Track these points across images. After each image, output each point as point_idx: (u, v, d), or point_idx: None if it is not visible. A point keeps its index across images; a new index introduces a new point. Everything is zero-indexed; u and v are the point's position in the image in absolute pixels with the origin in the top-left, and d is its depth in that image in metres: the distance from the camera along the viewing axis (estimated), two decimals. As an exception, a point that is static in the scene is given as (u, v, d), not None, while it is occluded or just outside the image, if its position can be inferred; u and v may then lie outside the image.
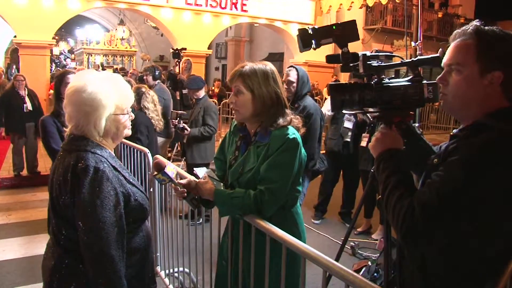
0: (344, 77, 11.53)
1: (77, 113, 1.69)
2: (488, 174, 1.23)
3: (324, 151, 5.93)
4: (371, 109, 1.61)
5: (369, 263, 3.76)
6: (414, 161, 1.66)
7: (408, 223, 1.27)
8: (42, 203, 5.70)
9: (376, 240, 4.71)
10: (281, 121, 1.99)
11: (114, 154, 1.83)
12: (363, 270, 3.71)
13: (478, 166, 1.24)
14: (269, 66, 2.07)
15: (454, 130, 1.47)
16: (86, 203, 1.59)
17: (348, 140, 5.18)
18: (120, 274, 1.62)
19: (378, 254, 3.98)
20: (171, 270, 3.50)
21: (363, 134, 4.71)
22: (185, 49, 8.08)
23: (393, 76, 1.63)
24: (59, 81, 3.65)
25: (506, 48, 1.35)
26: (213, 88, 14.87)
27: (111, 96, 1.71)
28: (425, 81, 1.55)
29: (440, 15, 17.92)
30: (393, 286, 1.79)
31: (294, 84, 4.09)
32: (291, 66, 4.27)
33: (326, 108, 5.18)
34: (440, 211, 1.24)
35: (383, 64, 1.56)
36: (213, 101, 8.24)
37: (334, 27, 1.60)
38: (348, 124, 5.16)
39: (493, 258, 1.33)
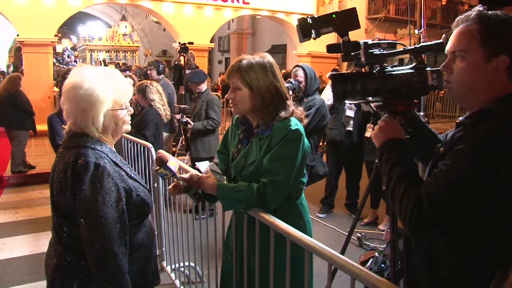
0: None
1: (75, 109, 1.67)
2: (495, 162, 1.21)
3: (322, 143, 5.93)
4: (374, 99, 1.58)
5: (376, 254, 3.73)
6: (420, 150, 1.63)
7: (417, 215, 1.24)
8: (49, 200, 5.69)
9: (383, 230, 4.68)
10: (283, 113, 1.96)
11: (114, 150, 1.81)
12: (370, 261, 3.69)
13: (485, 154, 1.22)
14: (267, 58, 2.02)
15: (460, 118, 1.44)
16: (87, 199, 1.57)
17: (351, 129, 5.13)
18: (124, 271, 1.60)
19: (385, 245, 3.95)
20: (177, 265, 3.50)
21: (368, 124, 4.69)
22: (192, 43, 7.98)
23: (395, 64, 1.59)
24: (63, 79, 3.65)
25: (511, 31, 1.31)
26: (218, 82, 14.72)
27: (109, 91, 1.68)
28: (428, 68, 1.51)
29: (444, 3, 17.71)
30: (400, 277, 1.77)
31: (303, 83, 4.20)
32: (297, 66, 4.35)
33: (326, 97, 5.07)
34: (449, 201, 1.22)
35: (385, 52, 1.53)
36: (217, 95, 8.19)
37: (334, 16, 1.57)
38: (350, 113, 5.10)
39: (502, 248, 1.30)
